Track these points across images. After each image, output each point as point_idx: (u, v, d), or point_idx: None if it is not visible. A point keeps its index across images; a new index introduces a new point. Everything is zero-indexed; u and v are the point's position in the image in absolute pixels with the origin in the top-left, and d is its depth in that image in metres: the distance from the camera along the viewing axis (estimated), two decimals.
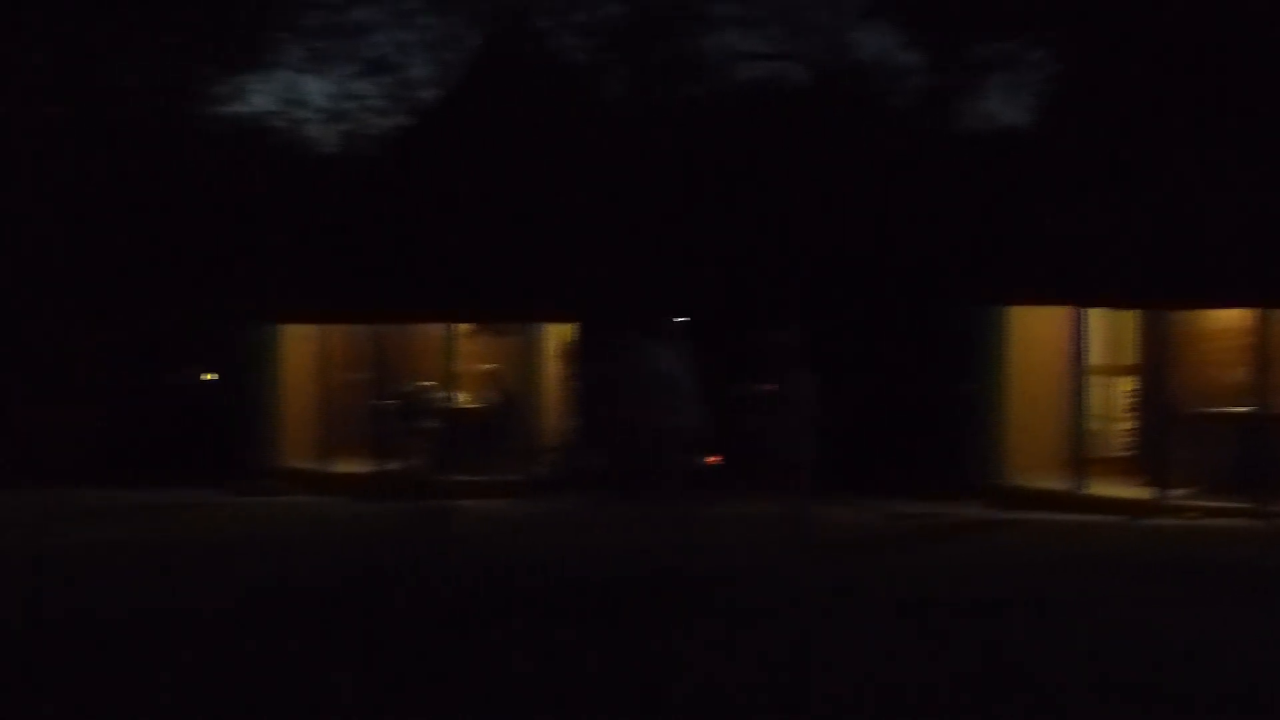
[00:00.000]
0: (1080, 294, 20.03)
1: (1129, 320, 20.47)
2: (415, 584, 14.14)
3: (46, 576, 14.95)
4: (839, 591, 13.74)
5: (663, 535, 15.52)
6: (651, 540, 15.43)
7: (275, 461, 23.45)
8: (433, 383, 23.26)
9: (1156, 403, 19.99)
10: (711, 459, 19.41)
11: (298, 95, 27.99)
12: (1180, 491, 18.89)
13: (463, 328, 23.49)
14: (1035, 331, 20.90)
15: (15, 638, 11.84)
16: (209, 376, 28.38)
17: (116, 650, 11.23)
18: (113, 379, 26.16)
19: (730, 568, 15.02)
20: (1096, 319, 20.39)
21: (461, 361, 23.47)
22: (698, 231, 24.05)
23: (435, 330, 23.53)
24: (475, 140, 23.79)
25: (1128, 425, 20.99)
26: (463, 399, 23.29)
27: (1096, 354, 20.56)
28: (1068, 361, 20.41)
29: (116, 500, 21.52)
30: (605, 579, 14.50)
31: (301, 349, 23.95)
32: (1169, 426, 19.47)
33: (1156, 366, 20.05)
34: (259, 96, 29.21)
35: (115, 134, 24.77)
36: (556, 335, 23.20)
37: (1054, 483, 20.06)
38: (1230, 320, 19.50)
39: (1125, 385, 20.96)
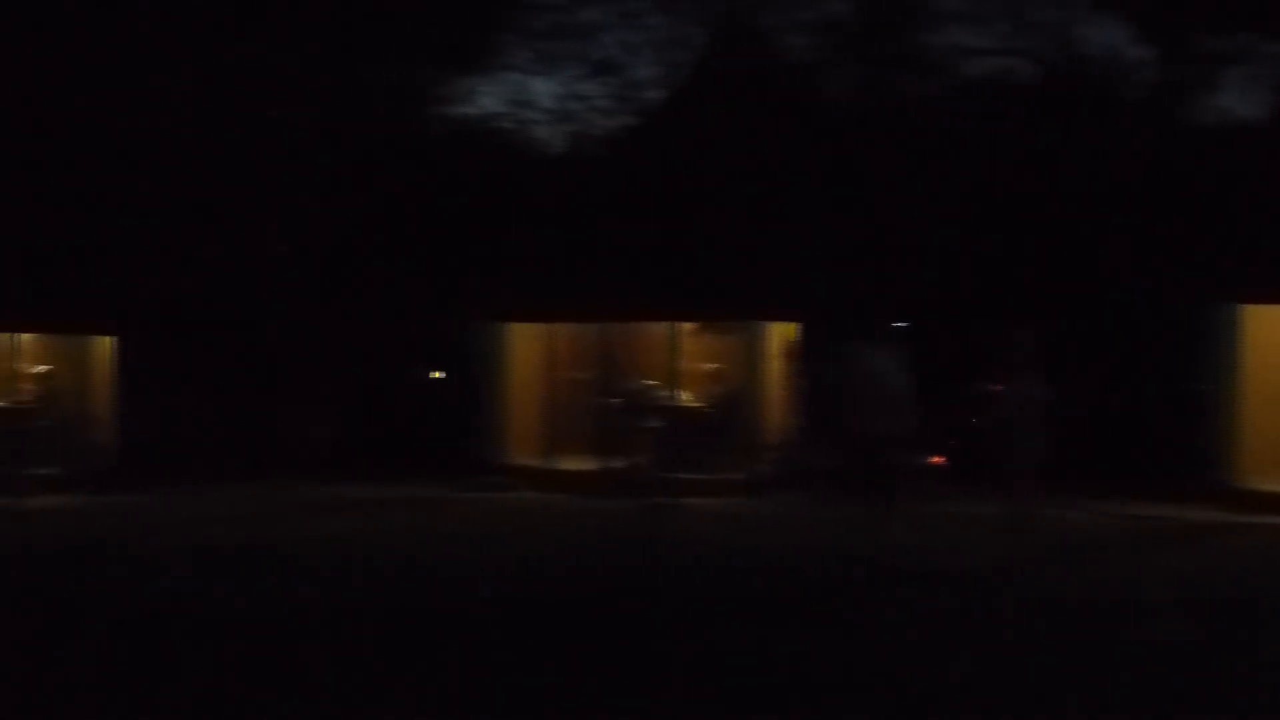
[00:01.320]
0: None
1: None
2: (644, 581, 14.26)
3: (289, 569, 15.38)
4: (1083, 594, 13.60)
5: (888, 536, 15.43)
6: (877, 540, 15.35)
7: (502, 458, 23.77)
8: (656, 381, 23.41)
9: None
10: (936, 459, 19.26)
11: (525, 97, 28.30)
12: None
13: (686, 326, 23.58)
14: (1271, 331, 20.39)
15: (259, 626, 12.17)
16: (437, 375, 28.87)
17: (372, 645, 11.50)
18: (349, 378, 26.73)
19: (961, 569, 14.91)
20: None
21: (685, 360, 23.56)
22: (923, 231, 23.87)
23: (659, 329, 23.66)
24: (700, 140, 23.87)
25: None
26: (686, 398, 23.38)
27: None
28: None
29: (350, 496, 21.99)
30: (833, 578, 14.49)
31: (529, 348, 24.27)
32: None
33: None
34: (487, 99, 29.65)
35: (354, 138, 25.29)
36: (779, 334, 23.19)
37: None
38: None
39: None
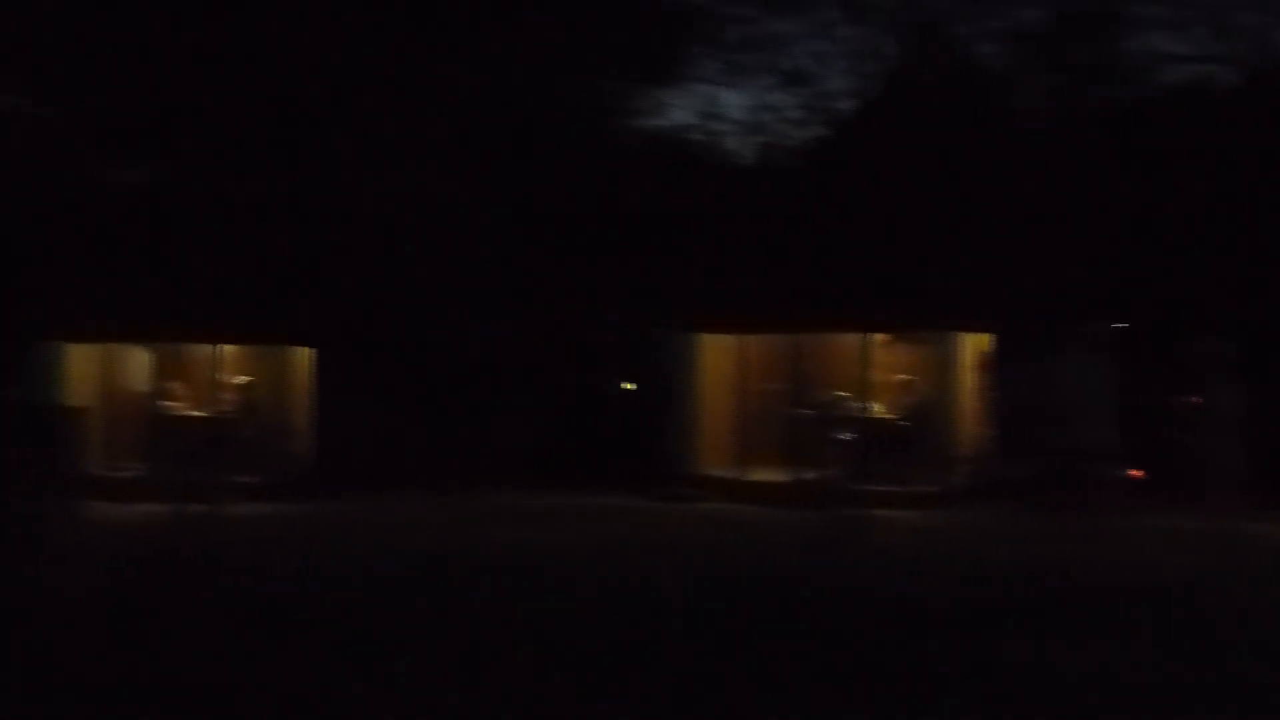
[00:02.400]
0: None
1: None
2: (839, 592, 14.21)
3: (484, 577, 15.54)
4: None
5: (1084, 549, 15.21)
6: (1073, 554, 15.13)
7: (693, 469, 23.81)
8: (848, 393, 23.30)
9: None
10: (1133, 472, 18.92)
11: (716, 108, 28.36)
12: None
13: (879, 337, 23.44)
14: None
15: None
16: (628, 385, 28.99)
17: (586, 652, 11.60)
18: (541, 389, 26.96)
19: (1158, 583, 14.65)
20: None
21: (877, 371, 23.42)
22: (1118, 240, 23.49)
23: (851, 340, 23.55)
24: (893, 149, 23.75)
25: None
26: (878, 409, 23.24)
27: None
28: None
29: (541, 505, 22.16)
30: (1027, 591, 14.31)
31: (720, 359, 24.28)
32: None
33: None
34: (678, 111, 29.75)
35: (547, 150, 25.52)
36: (973, 345, 22.96)
37: None
38: None
39: None
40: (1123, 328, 22.75)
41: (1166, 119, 26.06)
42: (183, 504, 21.02)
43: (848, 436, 22.74)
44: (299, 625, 12.59)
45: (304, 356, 24.65)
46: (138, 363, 25.03)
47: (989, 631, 12.28)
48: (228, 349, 24.78)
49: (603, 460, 25.32)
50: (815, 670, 10.79)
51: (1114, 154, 24.81)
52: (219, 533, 19.37)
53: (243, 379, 24.72)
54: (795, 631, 12.26)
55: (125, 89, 21.00)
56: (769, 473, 23.23)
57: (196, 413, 24.46)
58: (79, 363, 24.31)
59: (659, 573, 15.70)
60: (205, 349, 24.74)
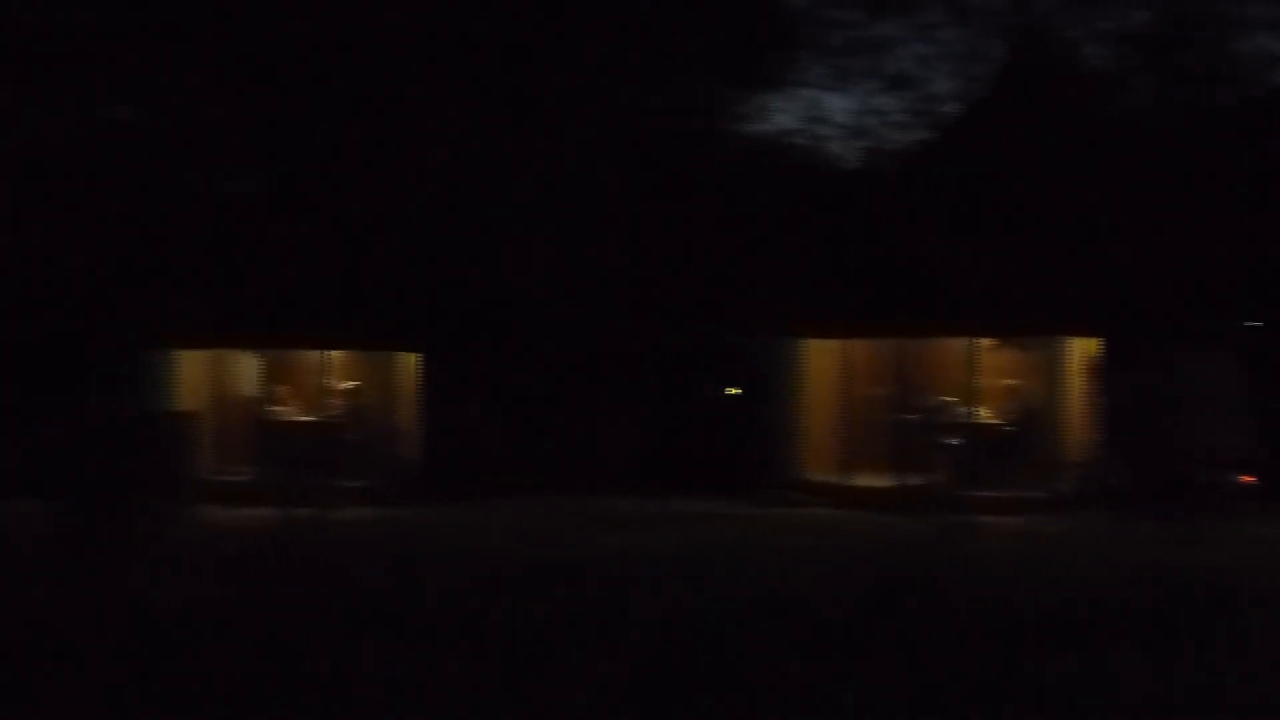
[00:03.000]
0: None
1: None
2: (948, 599, 14.12)
3: (595, 583, 15.57)
4: None
5: (1193, 555, 15.03)
6: (1182, 560, 14.96)
7: (797, 474, 23.75)
8: (954, 398, 23.17)
9: None
10: (1246, 478, 18.68)
11: (820, 113, 28.26)
12: None
13: (985, 342, 23.29)
14: None
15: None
16: (732, 391, 28.95)
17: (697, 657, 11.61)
18: (646, 393, 26.96)
19: (1270, 590, 14.45)
20: None
21: (983, 376, 23.27)
22: (1229, 243, 23.19)
23: (957, 345, 23.41)
24: (999, 152, 23.58)
25: None
26: (984, 414, 23.09)
27: None
28: None
29: (646, 511, 22.18)
30: (1138, 598, 14.16)
31: (825, 364, 24.22)
32: None
33: None
34: (782, 115, 29.68)
35: (651, 155, 25.55)
36: (1080, 349, 22.76)
37: None
38: None
39: None
40: (1257, 326, 22.43)
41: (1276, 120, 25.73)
42: (292, 509, 21.22)
43: (953, 442, 22.63)
44: (424, 631, 12.65)
45: (410, 361, 24.82)
46: (246, 368, 25.30)
47: (1095, 641, 12.16)
48: (335, 354, 25.01)
49: (707, 465, 25.30)
50: (931, 681, 10.72)
51: (1224, 154, 24.50)
52: (328, 537, 19.51)
53: (350, 384, 24.94)
54: (904, 640, 12.19)
55: (236, 98, 21.23)
56: (874, 478, 23.13)
57: (304, 418, 24.70)
58: (189, 369, 24.61)
59: (772, 578, 15.68)
60: (313, 354, 24.98)
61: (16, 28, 20.51)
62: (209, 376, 25.02)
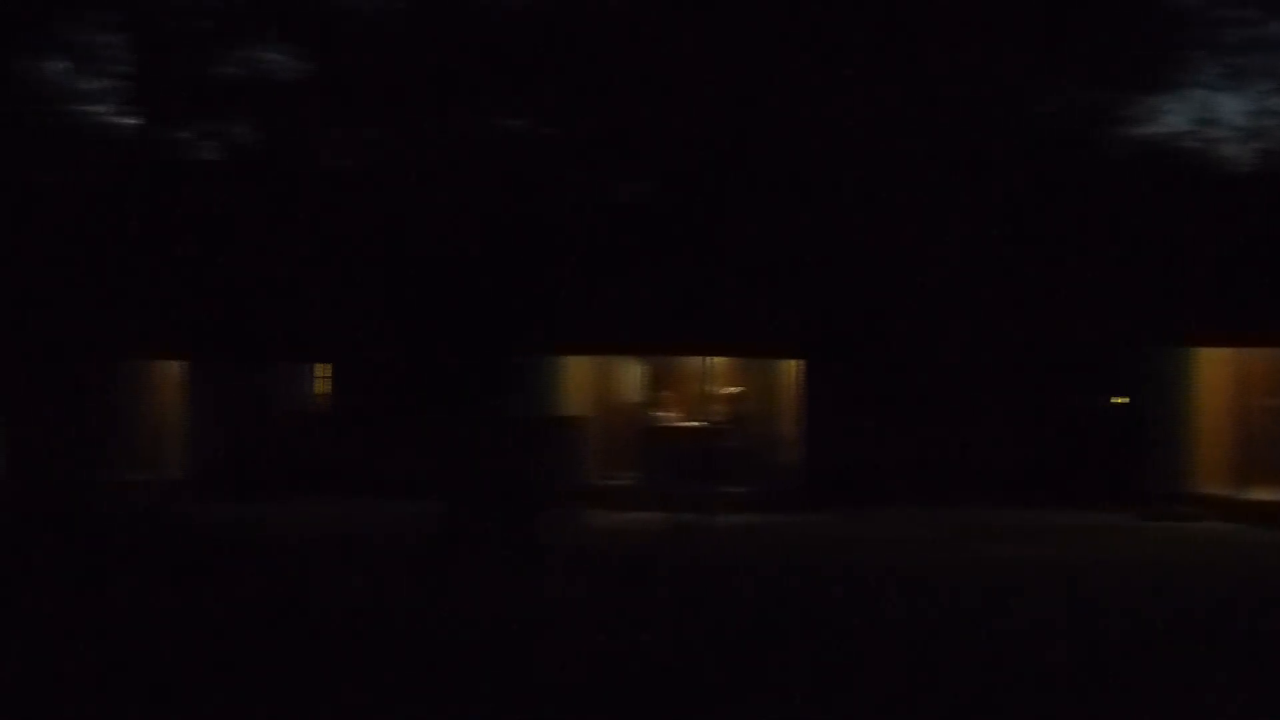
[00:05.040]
0: None
1: None
2: None
3: (978, 594, 15.42)
4: None
5: None
6: None
7: (1187, 487, 23.06)
8: None
9: None
10: None
11: (1212, 114, 27.34)
12: None
13: None
14: None
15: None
16: (1119, 400, 28.28)
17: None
18: (1029, 401, 26.54)
19: None
20: None
21: None
22: None
23: None
24: None
25: None
26: None
27: None
28: None
29: (1030, 521, 21.85)
30: None
31: (1217, 372, 23.47)
32: None
33: None
34: (1172, 117, 28.79)
35: (1033, 159, 25.12)
36: None
37: None
38: None
39: None
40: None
41: None
42: (676, 513, 21.54)
43: None
44: (811, 637, 12.72)
45: (792, 368, 24.94)
46: (631, 375, 25.79)
47: None
48: (717, 361, 25.30)
49: (1088, 475, 24.77)
50: None
51: None
52: (713, 542, 19.74)
53: (732, 390, 25.20)
54: None
55: (622, 106, 21.62)
56: (1271, 492, 22.30)
57: (687, 423, 25.06)
58: (575, 374, 25.20)
59: (1175, 595, 15.24)
60: (696, 361, 25.32)
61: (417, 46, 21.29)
62: (595, 382, 25.58)
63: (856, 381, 25.21)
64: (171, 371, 27.08)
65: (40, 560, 15.92)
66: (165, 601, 14.04)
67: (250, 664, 11.47)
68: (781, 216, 23.24)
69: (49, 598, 13.92)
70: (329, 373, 26.94)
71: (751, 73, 20.75)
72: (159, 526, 19.86)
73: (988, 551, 18.85)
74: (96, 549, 16.61)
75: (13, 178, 19.30)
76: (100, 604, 13.85)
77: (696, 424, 24.98)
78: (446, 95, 21.96)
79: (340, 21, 21.51)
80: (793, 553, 18.68)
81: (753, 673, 11.27)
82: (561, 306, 23.85)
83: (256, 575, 15.76)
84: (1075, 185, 25.21)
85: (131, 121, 21.20)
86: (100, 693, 10.55)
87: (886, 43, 21.24)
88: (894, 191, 22.40)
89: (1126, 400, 27.61)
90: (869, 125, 21.76)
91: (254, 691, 10.64)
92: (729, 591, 15.37)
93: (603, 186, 23.84)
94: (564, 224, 21.95)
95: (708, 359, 25.24)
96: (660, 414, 25.38)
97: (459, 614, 13.81)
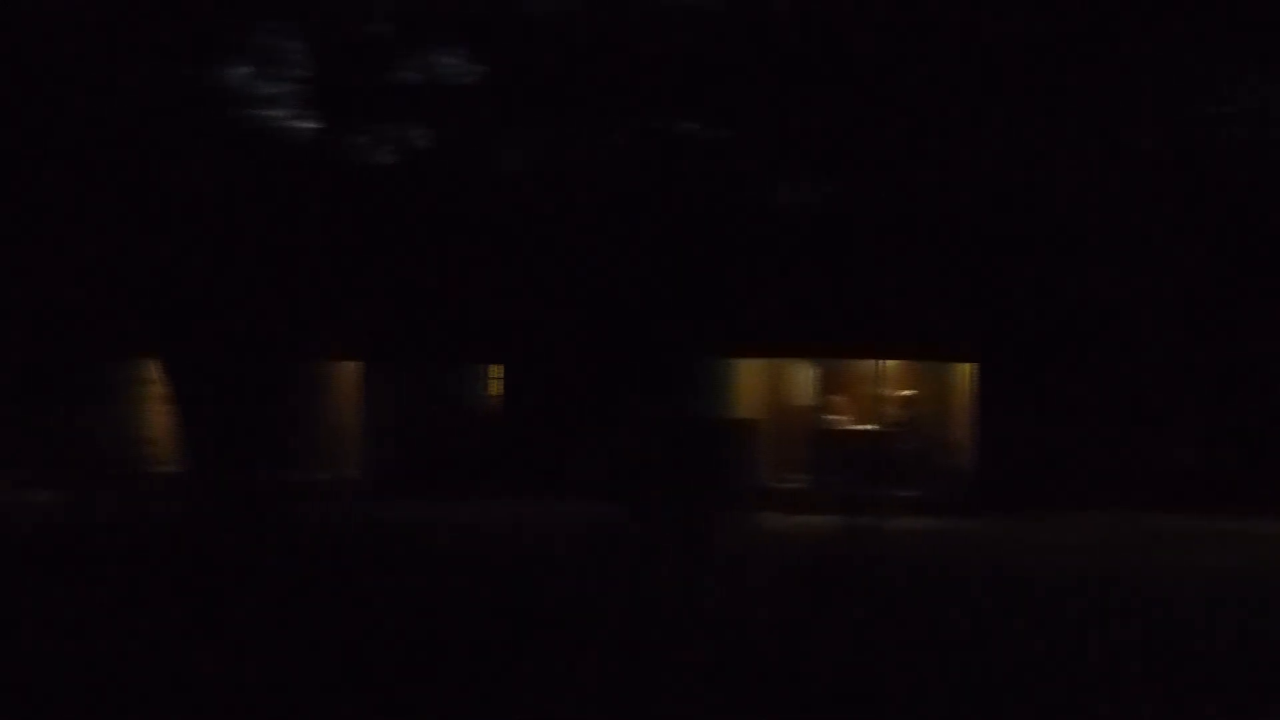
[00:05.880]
0: None
1: None
2: None
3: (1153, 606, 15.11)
4: None
5: None
6: None
7: None
8: None
9: None
10: None
11: None
12: None
13: None
14: None
15: None
16: None
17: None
18: (1211, 403, 26.07)
19: None
20: None
21: None
22: None
23: None
24: None
25: None
26: None
27: None
28: None
29: (1210, 528, 21.41)
30: None
31: None
32: None
33: None
34: None
35: (1214, 161, 24.69)
36: None
37: None
38: None
39: None
40: None
41: None
42: (848, 517, 21.40)
43: None
44: (983, 644, 12.56)
45: (966, 371, 24.69)
46: (803, 378, 25.69)
47: None
48: (890, 364, 25.13)
49: (1270, 482, 24.24)
50: None
51: None
52: (889, 545, 19.56)
53: (904, 393, 25.01)
54: None
55: (798, 109, 21.60)
56: None
57: (859, 426, 24.91)
58: (748, 377, 25.16)
59: None
60: (868, 364, 25.17)
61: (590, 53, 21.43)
62: (768, 385, 25.52)
63: (1031, 384, 24.90)
64: (347, 372, 27.46)
65: (244, 559, 16.28)
66: (379, 598, 14.36)
67: (461, 656, 11.87)
68: (962, 218, 23.05)
69: (268, 595, 14.29)
70: (501, 374, 27.14)
71: (934, 72, 20.62)
72: (348, 526, 20.22)
73: (1181, 558, 18.38)
74: (292, 548, 16.96)
75: (196, 181, 19.70)
76: (310, 603, 14.17)
77: (869, 427, 24.83)
78: (622, 97, 22.07)
79: (516, 25, 21.70)
80: (973, 557, 18.42)
81: (947, 681, 11.12)
82: (735, 309, 23.87)
83: (449, 574, 16.03)
84: (1243, 186, 24.71)
85: (310, 125, 21.57)
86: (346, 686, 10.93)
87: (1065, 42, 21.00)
88: (1073, 195, 22.13)
89: None
90: (1044, 122, 21.52)
91: (464, 681, 11.05)
92: (915, 596, 15.16)
93: (778, 187, 23.85)
94: (738, 225, 21.98)
95: (880, 362, 25.07)
96: (832, 417, 25.25)
97: (643, 612, 13.85)
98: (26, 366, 26.62)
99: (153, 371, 22.98)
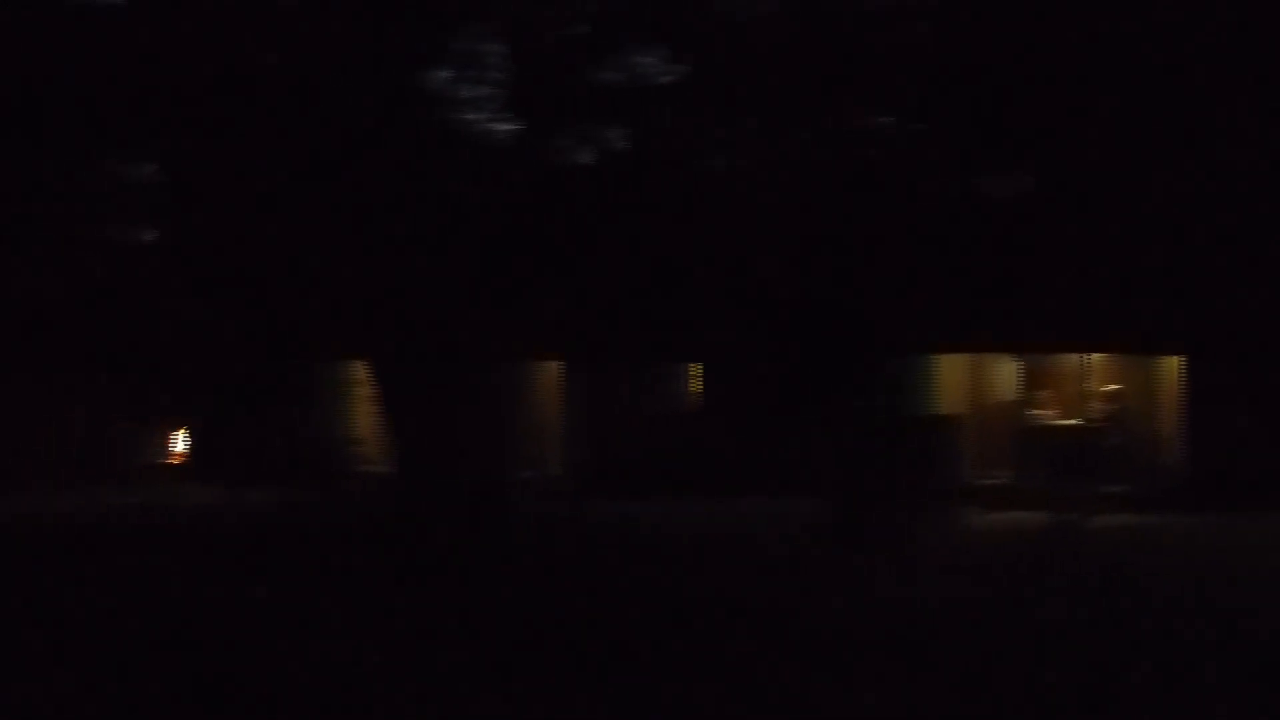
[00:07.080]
0: None
1: None
2: None
3: None
4: None
5: None
6: None
7: None
8: None
9: None
10: None
11: None
12: None
13: None
14: None
15: None
16: None
17: None
18: None
19: None
20: None
21: None
22: None
23: None
24: None
25: None
26: None
27: None
28: None
29: None
30: None
31: None
32: None
33: None
34: None
35: None
36: None
37: None
38: None
39: None
40: None
41: None
42: (1055, 513, 21.16)
43: None
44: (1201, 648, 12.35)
45: (1173, 364, 24.25)
46: (1005, 372, 25.43)
47: None
48: (1095, 357, 24.78)
49: None
50: None
51: None
52: (1098, 542, 19.31)
53: (1111, 387, 24.64)
54: None
55: (993, 102, 21.37)
56: None
57: (1064, 422, 24.60)
58: (951, 373, 24.97)
59: None
60: (1073, 358, 24.85)
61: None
62: (968, 380, 25.31)
63: (1241, 378, 24.34)
64: (549, 372, 27.75)
65: (464, 556, 16.76)
66: (605, 591, 14.79)
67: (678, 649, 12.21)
68: (1167, 210, 22.64)
69: (510, 586, 14.85)
70: (701, 372, 27.23)
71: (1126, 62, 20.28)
72: (564, 523, 20.59)
73: None
74: (509, 545, 17.38)
75: (399, 185, 20.04)
76: (546, 595, 14.67)
77: (1074, 422, 24.50)
78: (817, 94, 22.03)
79: (712, 25, 21.75)
80: (1190, 555, 18.06)
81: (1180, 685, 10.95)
82: (932, 305, 23.69)
83: (668, 569, 16.40)
84: None
85: (510, 128, 21.83)
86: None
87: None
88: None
89: None
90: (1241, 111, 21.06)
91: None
92: (1135, 595, 14.92)
93: (972, 182, 23.62)
94: (941, 220, 21.81)
95: (1086, 355, 24.73)
96: (1037, 412, 24.97)
97: (852, 610, 13.89)
98: (238, 370, 27.24)
99: (361, 373, 23.44)
